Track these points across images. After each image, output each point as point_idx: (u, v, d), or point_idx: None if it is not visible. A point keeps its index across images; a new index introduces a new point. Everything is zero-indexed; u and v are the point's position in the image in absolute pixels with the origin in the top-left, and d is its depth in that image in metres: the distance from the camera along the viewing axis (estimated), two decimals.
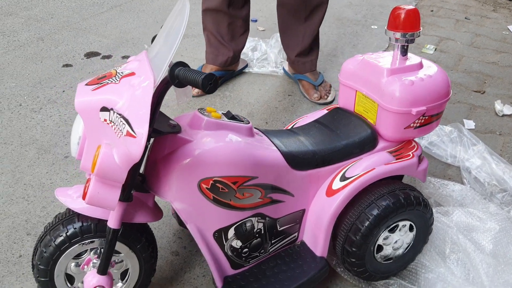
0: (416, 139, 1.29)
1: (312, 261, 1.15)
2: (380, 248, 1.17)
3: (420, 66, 1.20)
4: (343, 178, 1.13)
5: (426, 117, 1.18)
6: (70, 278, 1.04)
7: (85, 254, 1.03)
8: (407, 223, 1.18)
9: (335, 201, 1.11)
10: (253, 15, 2.30)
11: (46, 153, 1.67)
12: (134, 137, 0.80)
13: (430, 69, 1.21)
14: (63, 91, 2.06)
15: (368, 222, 1.10)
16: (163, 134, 0.94)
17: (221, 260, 1.08)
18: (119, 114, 0.84)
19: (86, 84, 0.92)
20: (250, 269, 1.13)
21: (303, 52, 2.07)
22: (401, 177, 1.29)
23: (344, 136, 1.19)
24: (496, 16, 3.26)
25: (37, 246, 1.02)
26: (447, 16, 3.21)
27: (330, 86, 2.15)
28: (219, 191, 1.00)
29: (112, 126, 0.86)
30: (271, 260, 1.16)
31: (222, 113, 1.05)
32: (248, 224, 1.07)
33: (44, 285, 1.01)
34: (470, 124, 1.98)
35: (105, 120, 0.87)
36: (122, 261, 1.06)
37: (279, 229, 1.14)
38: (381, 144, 1.21)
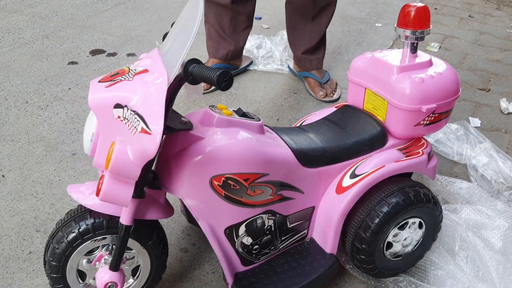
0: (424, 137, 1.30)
1: (321, 258, 1.15)
2: (389, 245, 1.18)
3: (429, 63, 1.21)
4: (353, 176, 1.13)
5: (436, 115, 1.18)
6: (81, 275, 1.04)
7: (97, 251, 1.03)
8: (417, 220, 1.18)
9: (345, 198, 1.11)
10: (257, 12, 2.30)
11: (53, 150, 1.67)
12: (149, 133, 0.81)
13: (440, 66, 1.21)
14: (69, 88, 2.06)
15: (378, 219, 1.11)
16: (175, 131, 0.94)
17: (232, 257, 1.08)
18: (133, 111, 0.84)
19: (99, 81, 0.92)
20: (260, 265, 1.13)
21: (310, 50, 2.07)
22: (410, 174, 1.30)
23: (353, 133, 1.19)
24: (499, 14, 3.26)
25: (49, 242, 1.02)
26: (451, 14, 3.21)
27: (336, 84, 2.15)
28: (230, 188, 1.00)
29: (126, 123, 0.86)
30: (281, 257, 1.16)
31: (233, 110, 1.05)
32: (258, 221, 1.08)
33: (56, 281, 1.02)
34: (476, 122, 1.98)
35: (119, 117, 0.87)
36: (133, 257, 1.06)
37: (289, 226, 1.14)
38: (390, 141, 1.21)
